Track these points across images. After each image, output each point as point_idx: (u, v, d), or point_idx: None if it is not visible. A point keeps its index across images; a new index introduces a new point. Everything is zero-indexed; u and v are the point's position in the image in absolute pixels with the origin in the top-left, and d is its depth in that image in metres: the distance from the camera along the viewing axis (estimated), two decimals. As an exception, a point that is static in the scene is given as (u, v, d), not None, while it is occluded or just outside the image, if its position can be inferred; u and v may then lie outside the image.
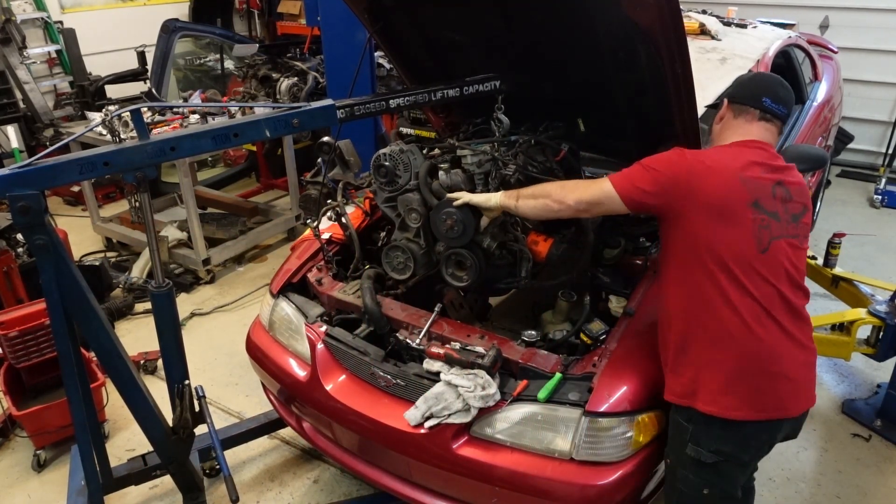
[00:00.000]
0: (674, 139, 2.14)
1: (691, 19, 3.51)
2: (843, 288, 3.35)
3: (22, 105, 5.63)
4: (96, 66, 6.02)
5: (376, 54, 4.65)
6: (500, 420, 1.99)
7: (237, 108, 4.02)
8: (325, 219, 2.63)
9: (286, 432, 3.03)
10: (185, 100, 5.16)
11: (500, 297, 2.85)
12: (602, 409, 1.89)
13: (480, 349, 2.06)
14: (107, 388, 2.97)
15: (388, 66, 4.95)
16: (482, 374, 1.98)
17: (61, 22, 6.10)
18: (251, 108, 3.68)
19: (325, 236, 2.66)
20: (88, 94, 5.61)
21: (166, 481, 2.65)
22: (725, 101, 2.02)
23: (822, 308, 3.64)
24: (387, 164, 2.33)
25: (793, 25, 4.41)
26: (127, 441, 3.07)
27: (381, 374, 2.18)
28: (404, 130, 4.68)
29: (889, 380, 3.03)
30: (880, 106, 5.93)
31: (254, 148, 5.94)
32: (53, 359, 2.92)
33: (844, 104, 4.92)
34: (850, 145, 5.53)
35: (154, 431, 2.21)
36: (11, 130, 4.99)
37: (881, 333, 2.89)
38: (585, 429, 1.90)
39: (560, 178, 2.39)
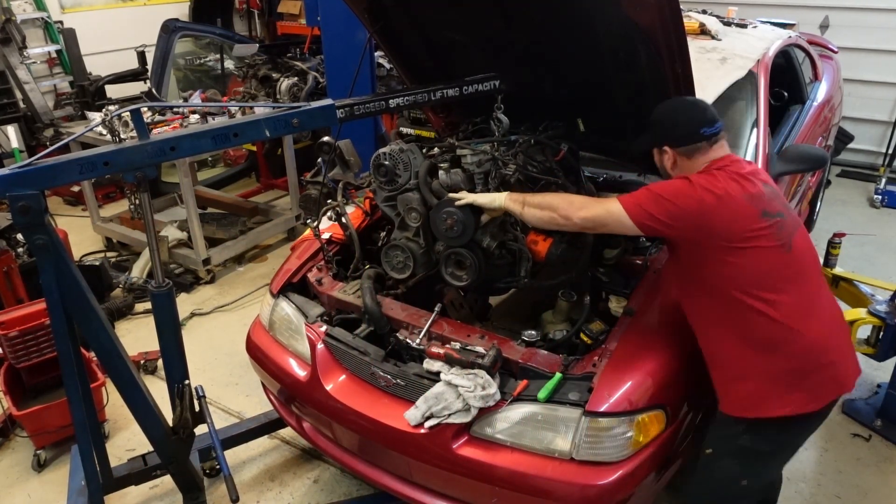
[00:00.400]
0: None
1: (691, 19, 3.50)
2: (843, 288, 3.35)
3: (22, 105, 5.63)
4: (96, 66, 6.02)
5: (376, 54, 4.65)
6: (501, 420, 1.99)
7: (237, 108, 4.03)
8: (325, 219, 2.63)
9: (286, 432, 3.03)
10: (185, 100, 5.16)
11: (500, 297, 2.85)
12: (602, 409, 1.89)
13: (480, 349, 2.06)
14: (107, 388, 2.97)
15: (388, 66, 4.95)
16: (482, 374, 1.98)
17: (61, 22, 6.10)
18: (251, 108, 3.68)
19: (325, 236, 2.66)
20: (88, 94, 5.61)
21: (166, 481, 2.65)
22: (667, 149, 1.94)
23: (822, 308, 3.63)
24: (387, 163, 2.34)
25: (793, 25, 4.40)
26: (127, 441, 3.07)
27: (381, 373, 2.18)
28: (404, 130, 4.68)
29: (889, 380, 3.03)
30: (880, 106, 5.92)
31: (254, 148, 5.94)
32: (53, 359, 2.92)
33: (844, 104, 4.91)
34: (851, 145, 5.52)
35: (154, 431, 2.21)
36: (11, 130, 4.99)
37: (881, 333, 2.89)
38: (585, 429, 1.90)
39: (560, 178, 2.39)
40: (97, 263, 4.23)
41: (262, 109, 2.35)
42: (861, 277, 3.37)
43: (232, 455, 2.87)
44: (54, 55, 6.14)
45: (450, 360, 2.05)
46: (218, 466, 2.78)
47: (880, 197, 5.44)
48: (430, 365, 2.09)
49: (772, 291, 1.79)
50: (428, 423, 2.01)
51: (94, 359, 2.99)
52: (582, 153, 2.69)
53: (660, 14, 1.85)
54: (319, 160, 2.69)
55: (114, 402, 2.95)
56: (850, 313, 2.99)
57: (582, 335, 2.13)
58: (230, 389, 3.40)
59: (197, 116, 4.24)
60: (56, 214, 5.19)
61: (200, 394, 2.25)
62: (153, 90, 5.41)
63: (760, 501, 2.07)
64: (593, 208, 1.91)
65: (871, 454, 2.92)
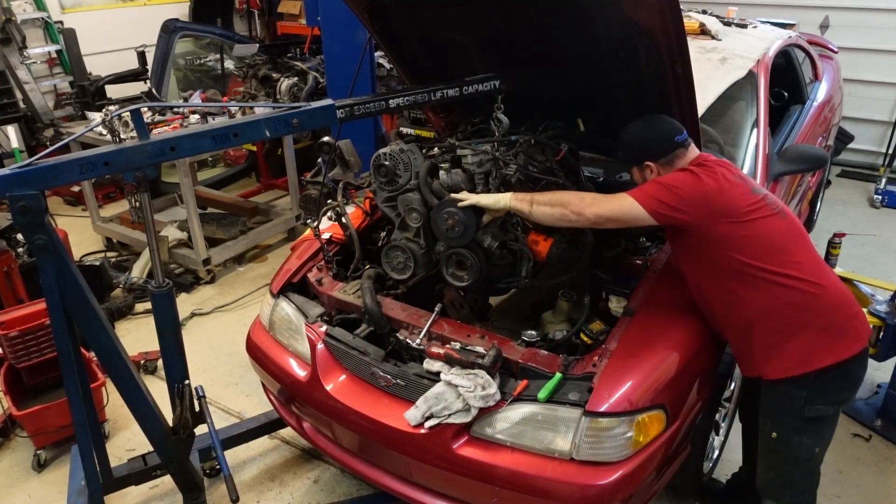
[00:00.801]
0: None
1: (691, 19, 3.50)
2: (843, 288, 3.35)
3: (22, 105, 5.63)
4: (96, 66, 6.01)
5: (376, 54, 4.65)
6: (501, 420, 1.99)
7: (237, 108, 4.02)
8: (325, 219, 2.63)
9: (286, 432, 3.03)
10: (186, 100, 5.16)
11: (500, 297, 2.85)
12: (602, 409, 1.89)
13: (480, 349, 2.06)
14: (107, 388, 2.97)
15: (388, 66, 4.95)
16: (482, 374, 1.98)
17: (61, 22, 6.10)
18: (251, 108, 3.68)
19: (325, 236, 2.66)
20: (88, 94, 5.60)
21: (166, 481, 2.65)
22: (650, 164, 2.05)
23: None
24: (387, 163, 2.33)
25: (793, 25, 4.40)
26: (127, 441, 3.07)
27: (382, 374, 2.18)
28: (404, 130, 4.68)
29: (889, 380, 3.03)
30: (880, 106, 5.92)
31: (254, 148, 5.94)
32: (53, 359, 2.92)
33: (844, 104, 4.92)
34: (851, 145, 5.51)
35: (154, 431, 2.21)
36: (11, 130, 5.00)
37: (881, 333, 2.89)
38: (585, 429, 1.90)
39: (560, 178, 2.39)
40: (97, 263, 4.23)
41: (262, 109, 2.35)
42: (861, 277, 3.36)
43: (232, 455, 2.87)
44: (54, 55, 6.14)
45: (450, 360, 2.05)
46: (218, 466, 2.78)
47: (880, 197, 5.44)
48: (430, 365, 2.09)
49: (787, 254, 1.92)
50: (428, 423, 2.01)
51: (94, 359, 2.99)
52: (582, 153, 2.69)
53: (660, 14, 1.85)
54: (319, 160, 2.70)
55: (114, 402, 2.95)
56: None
57: (582, 335, 2.14)
58: (230, 389, 3.40)
59: (197, 116, 4.24)
60: (56, 214, 5.19)
61: (200, 394, 2.25)
62: (153, 90, 5.41)
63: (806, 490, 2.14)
64: (606, 204, 1.97)
65: (871, 454, 2.92)
